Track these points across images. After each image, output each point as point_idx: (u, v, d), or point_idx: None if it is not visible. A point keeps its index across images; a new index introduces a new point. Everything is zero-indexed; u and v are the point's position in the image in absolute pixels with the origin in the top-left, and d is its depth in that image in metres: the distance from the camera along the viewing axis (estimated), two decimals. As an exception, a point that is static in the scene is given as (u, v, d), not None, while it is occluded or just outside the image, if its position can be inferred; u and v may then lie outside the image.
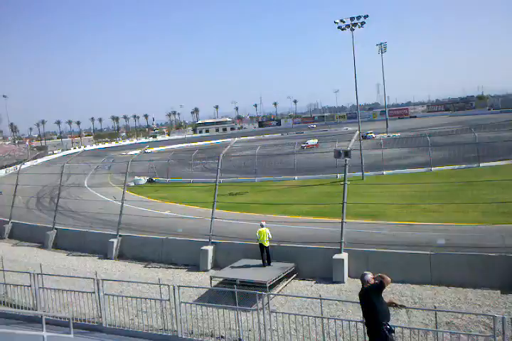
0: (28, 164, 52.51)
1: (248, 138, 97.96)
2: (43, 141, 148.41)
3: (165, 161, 46.10)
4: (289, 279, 13.36)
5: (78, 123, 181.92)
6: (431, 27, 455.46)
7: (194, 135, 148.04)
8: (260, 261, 13.74)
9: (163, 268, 15.99)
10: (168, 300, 9.05)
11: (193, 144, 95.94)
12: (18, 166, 31.40)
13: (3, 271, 12.42)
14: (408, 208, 20.33)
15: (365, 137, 57.35)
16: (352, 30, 34.93)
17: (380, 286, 6.54)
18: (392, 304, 7.11)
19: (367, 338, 6.87)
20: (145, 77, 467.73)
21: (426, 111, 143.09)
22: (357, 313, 9.35)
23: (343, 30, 35.43)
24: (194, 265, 15.71)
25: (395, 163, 36.63)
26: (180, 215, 23.81)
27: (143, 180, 42.33)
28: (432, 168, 32.74)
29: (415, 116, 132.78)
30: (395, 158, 39.89)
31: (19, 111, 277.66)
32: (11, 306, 11.16)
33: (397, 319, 9.30)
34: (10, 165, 61.07)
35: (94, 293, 9.77)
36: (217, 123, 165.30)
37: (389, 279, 6.49)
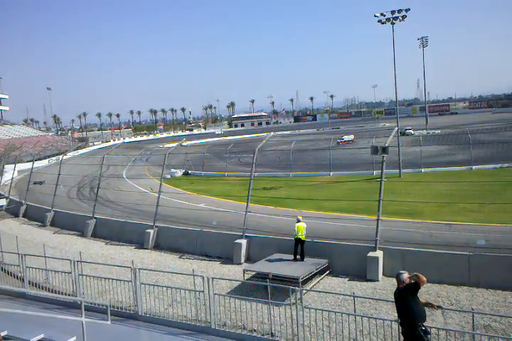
0: (69, 155, 54.14)
1: (283, 132, 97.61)
2: (84, 133, 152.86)
3: (200, 154, 46.62)
4: (322, 275, 13.30)
5: (118, 115, 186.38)
6: (474, 20, 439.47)
7: (230, 129, 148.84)
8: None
9: (197, 259, 16.24)
10: (202, 291, 9.17)
11: (228, 138, 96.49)
12: (61, 157, 32.44)
13: (45, 257, 12.87)
14: (447, 207, 19.81)
15: (403, 133, 56.06)
16: (392, 24, 34.08)
17: (415, 286, 6.43)
18: (428, 304, 6.97)
19: (401, 338, 6.77)
20: (183, 71, 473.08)
21: (468, 108, 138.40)
22: (391, 312, 9.26)
23: (383, 23, 34.59)
24: (227, 258, 15.88)
25: (434, 161, 35.68)
26: (214, 208, 24.07)
27: (179, 172, 42.96)
28: (473, 167, 31.73)
29: (456, 113, 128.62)
30: (434, 156, 38.89)
31: (62, 103, 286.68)
32: (51, 291, 11.58)
33: (432, 320, 9.12)
34: (53, 156, 63.24)
35: (130, 281, 10.01)
36: (252, 117, 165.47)
37: (425, 279, 6.36)
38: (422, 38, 69.83)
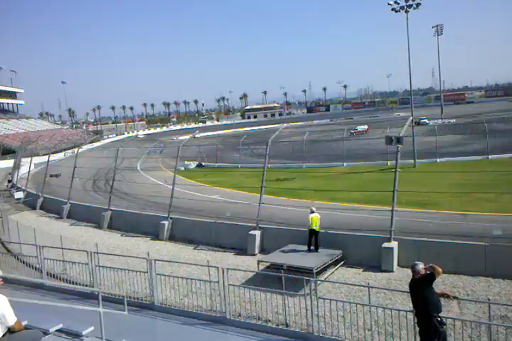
0: (85, 147, 54.68)
1: (296, 123, 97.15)
2: (99, 126, 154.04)
3: (213, 146, 46.65)
4: (336, 266, 13.30)
5: (131, 108, 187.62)
6: (489, 7, 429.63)
7: (242, 120, 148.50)
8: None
9: (212, 250, 16.34)
10: (217, 282, 9.24)
11: (242, 129, 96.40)
12: (76, 150, 32.79)
13: (63, 248, 13.07)
14: (462, 197, 19.58)
15: (419, 123, 55.38)
16: (406, 12, 33.49)
17: (431, 277, 6.39)
18: (444, 295, 6.93)
19: (416, 329, 6.75)
20: (195, 64, 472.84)
21: (484, 96, 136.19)
22: (406, 303, 9.21)
23: (397, 12, 34.03)
24: (241, 249, 15.94)
25: (450, 151, 35.21)
26: (228, 200, 24.15)
27: (192, 164, 43.11)
28: (490, 156, 31.29)
29: (472, 102, 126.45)
30: (449, 145, 38.36)
31: (77, 96, 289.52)
32: (69, 282, 11.77)
33: (448, 310, 9.07)
34: (68, 149, 63.93)
35: (146, 272, 10.13)
36: (265, 108, 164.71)
37: (440, 270, 6.33)
38: (437, 25, 68.73)
